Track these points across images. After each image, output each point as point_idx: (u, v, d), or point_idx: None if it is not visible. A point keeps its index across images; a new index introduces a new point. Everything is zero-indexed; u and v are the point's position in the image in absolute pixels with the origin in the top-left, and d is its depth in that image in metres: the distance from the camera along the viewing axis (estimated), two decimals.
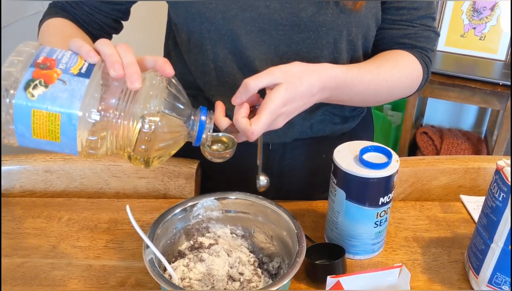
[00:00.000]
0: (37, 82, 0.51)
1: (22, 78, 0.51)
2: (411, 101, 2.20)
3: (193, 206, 0.69)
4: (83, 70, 0.53)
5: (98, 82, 0.53)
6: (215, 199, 0.70)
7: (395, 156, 0.70)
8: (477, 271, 0.68)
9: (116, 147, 0.55)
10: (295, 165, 0.88)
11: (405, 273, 0.57)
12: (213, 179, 0.91)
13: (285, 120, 0.64)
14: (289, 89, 0.62)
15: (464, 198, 0.87)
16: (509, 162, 0.66)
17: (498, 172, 0.65)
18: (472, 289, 0.69)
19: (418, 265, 0.73)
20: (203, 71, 0.80)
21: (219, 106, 0.64)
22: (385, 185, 0.69)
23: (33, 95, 0.51)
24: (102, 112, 0.52)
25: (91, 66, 0.54)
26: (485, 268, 0.66)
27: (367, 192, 0.69)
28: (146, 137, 0.54)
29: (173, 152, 0.59)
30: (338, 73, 0.67)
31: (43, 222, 0.81)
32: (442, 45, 2.33)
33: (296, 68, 0.64)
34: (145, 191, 0.91)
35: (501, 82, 2.01)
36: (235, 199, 0.70)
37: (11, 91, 0.50)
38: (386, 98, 0.79)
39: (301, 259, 0.59)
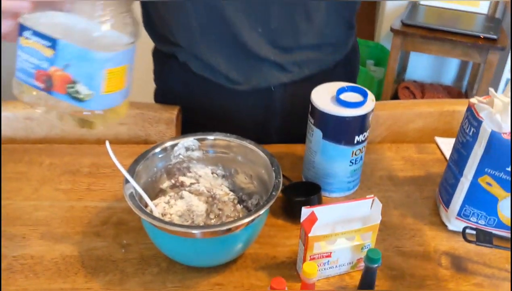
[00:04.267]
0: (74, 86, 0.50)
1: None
2: (393, 56, 2.21)
3: (173, 145, 0.70)
4: (49, 44, 0.49)
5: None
6: (195, 139, 0.71)
7: (370, 95, 0.72)
8: (447, 204, 0.71)
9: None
10: (296, 103, 0.88)
11: (377, 204, 0.60)
12: (194, 124, 0.92)
13: None
14: None
15: (438, 139, 0.89)
16: (481, 98, 0.68)
17: (469, 108, 0.67)
18: (442, 222, 0.72)
19: (391, 201, 0.76)
20: None
21: None
22: (361, 123, 0.71)
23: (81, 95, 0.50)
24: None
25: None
26: (455, 201, 0.69)
27: (343, 130, 0.71)
28: None
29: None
30: None
31: (25, 167, 0.82)
32: None
33: None
34: (126, 137, 0.91)
35: (482, 35, 2.02)
36: (214, 139, 0.71)
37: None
38: None
39: (277, 192, 0.61)
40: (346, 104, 0.69)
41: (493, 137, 0.62)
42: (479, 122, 0.64)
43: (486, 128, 0.63)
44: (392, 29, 2.15)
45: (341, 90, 0.71)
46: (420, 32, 2.11)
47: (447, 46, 2.10)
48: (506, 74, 2.15)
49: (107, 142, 0.60)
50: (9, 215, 0.72)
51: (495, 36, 2.00)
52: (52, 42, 0.48)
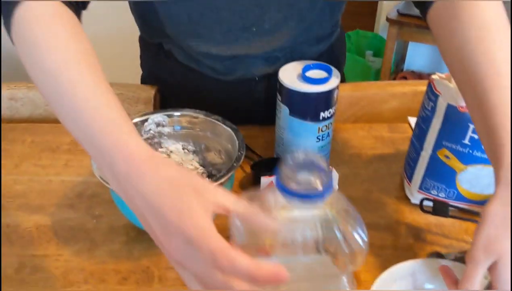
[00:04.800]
0: None
1: None
2: (389, 45, 2.22)
3: (144, 121, 0.72)
4: None
5: None
6: (165, 114, 0.73)
7: (335, 72, 0.73)
8: (410, 178, 0.72)
9: None
10: None
11: (334, 174, 0.62)
12: (173, 103, 0.94)
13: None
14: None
15: (411, 119, 0.91)
16: (442, 75, 0.69)
17: (429, 83, 0.69)
18: (406, 196, 0.74)
19: (359, 177, 0.78)
20: None
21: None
22: (325, 100, 0.72)
23: None
24: None
25: None
26: (416, 174, 0.71)
27: (308, 106, 0.73)
28: None
29: None
30: None
31: (8, 145, 0.85)
32: None
33: None
34: None
35: None
36: (180, 115, 0.73)
37: None
38: None
39: (239, 163, 0.63)
40: (311, 80, 0.71)
41: (450, 111, 0.64)
42: (436, 96, 0.66)
43: (443, 102, 0.64)
44: (388, 19, 2.16)
45: (307, 68, 0.73)
46: (416, 21, 2.11)
47: None
48: None
49: None
50: None
51: None
52: None
